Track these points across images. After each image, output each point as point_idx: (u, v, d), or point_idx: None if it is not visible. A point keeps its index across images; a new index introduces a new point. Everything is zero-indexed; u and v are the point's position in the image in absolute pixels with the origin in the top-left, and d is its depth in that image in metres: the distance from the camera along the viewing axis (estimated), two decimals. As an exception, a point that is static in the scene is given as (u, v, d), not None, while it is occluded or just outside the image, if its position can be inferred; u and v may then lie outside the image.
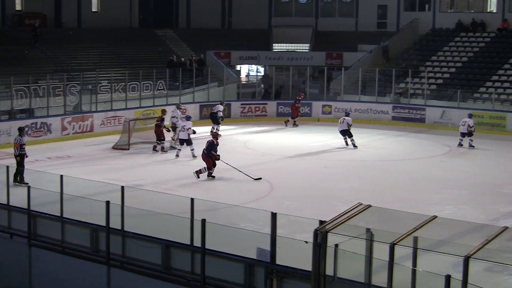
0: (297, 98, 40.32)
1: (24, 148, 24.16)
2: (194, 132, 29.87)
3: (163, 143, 31.31)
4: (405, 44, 50.57)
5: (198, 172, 25.64)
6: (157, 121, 31.92)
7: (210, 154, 25.79)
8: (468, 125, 32.87)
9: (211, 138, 26.48)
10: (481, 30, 49.51)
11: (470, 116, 33.79)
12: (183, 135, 29.67)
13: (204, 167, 25.84)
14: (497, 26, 49.32)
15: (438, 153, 32.65)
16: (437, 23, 51.94)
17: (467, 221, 19.99)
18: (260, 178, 25.61)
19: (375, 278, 12.71)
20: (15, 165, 23.59)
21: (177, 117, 32.16)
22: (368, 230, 13.04)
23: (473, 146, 32.74)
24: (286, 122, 40.00)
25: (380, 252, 12.45)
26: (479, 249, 11.69)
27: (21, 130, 24.74)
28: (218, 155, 25.96)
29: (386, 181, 25.68)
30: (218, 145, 26.26)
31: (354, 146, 32.37)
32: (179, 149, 29.96)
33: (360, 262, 12.77)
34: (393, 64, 47.09)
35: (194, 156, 29.40)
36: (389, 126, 40.28)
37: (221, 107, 36.82)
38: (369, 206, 14.27)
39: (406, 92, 43.51)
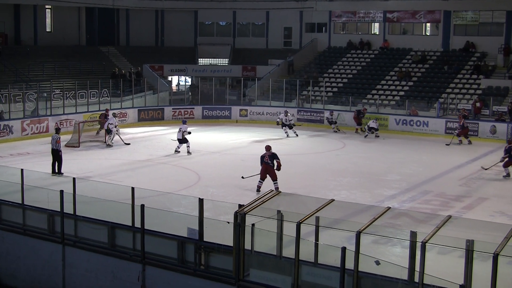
0: (362, 110, 39.05)
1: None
2: (189, 133, 29.90)
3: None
4: (306, 59, 51.11)
5: (258, 188, 22.17)
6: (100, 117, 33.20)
7: (273, 164, 22.07)
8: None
9: (269, 151, 22.42)
10: (367, 48, 50.45)
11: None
12: (179, 135, 29.74)
13: (260, 180, 22.42)
14: (380, 45, 50.34)
15: (334, 148, 33.03)
16: (332, 42, 52.66)
17: (358, 203, 20.33)
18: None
19: (285, 251, 12.81)
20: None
21: (113, 124, 31.99)
22: (278, 212, 13.14)
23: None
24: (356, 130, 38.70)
25: (289, 230, 12.57)
26: (368, 226, 11.90)
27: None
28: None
29: (292, 171, 25.87)
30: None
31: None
32: (178, 147, 29.90)
33: (272, 238, 12.86)
34: (297, 76, 47.51)
35: (189, 153, 29.58)
36: (295, 126, 40.44)
37: (283, 115, 36.66)
38: (279, 192, 14.40)
39: (308, 98, 43.91)
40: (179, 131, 29.85)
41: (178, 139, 29.94)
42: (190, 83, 54.28)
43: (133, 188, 15.06)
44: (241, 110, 43.05)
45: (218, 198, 20.70)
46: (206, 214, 14.04)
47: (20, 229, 17.00)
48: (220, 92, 45.39)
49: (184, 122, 30.80)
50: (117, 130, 32.19)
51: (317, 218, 12.76)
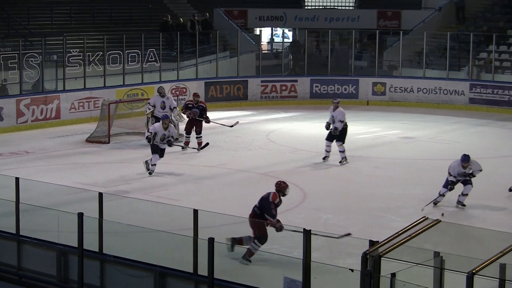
0: None
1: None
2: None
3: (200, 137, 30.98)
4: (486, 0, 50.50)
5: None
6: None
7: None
8: None
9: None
10: None
11: None
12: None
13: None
14: None
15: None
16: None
17: None
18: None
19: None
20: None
21: (154, 106, 31.40)
22: (437, 254, 13.04)
23: None
24: None
25: (453, 284, 12.46)
26: None
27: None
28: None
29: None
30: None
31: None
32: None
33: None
34: (471, 27, 47.08)
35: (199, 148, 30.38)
36: (466, 111, 40.26)
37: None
38: (438, 221, 14.27)
39: (489, 64, 43.41)
40: None
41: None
42: (291, 40, 54.48)
43: (195, 211, 15.19)
44: (375, 84, 42.97)
45: (333, 229, 20.67)
46: (315, 255, 14.05)
47: (13, 275, 17.39)
48: (341, 55, 45.39)
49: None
50: (173, 117, 30.96)
51: (503, 266, 12.62)
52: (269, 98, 41.58)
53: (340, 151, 28.54)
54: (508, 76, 42.21)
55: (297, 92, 42.40)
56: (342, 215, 22.86)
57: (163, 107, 30.98)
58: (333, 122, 28.49)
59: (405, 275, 12.79)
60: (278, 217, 17.61)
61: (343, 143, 28.50)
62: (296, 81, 43.21)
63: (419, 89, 42.33)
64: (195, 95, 31.39)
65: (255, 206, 18.60)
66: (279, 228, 17.93)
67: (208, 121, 30.57)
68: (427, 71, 43.45)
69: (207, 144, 29.90)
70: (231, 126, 31.45)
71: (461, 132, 35.65)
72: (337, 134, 28.23)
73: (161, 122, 26.68)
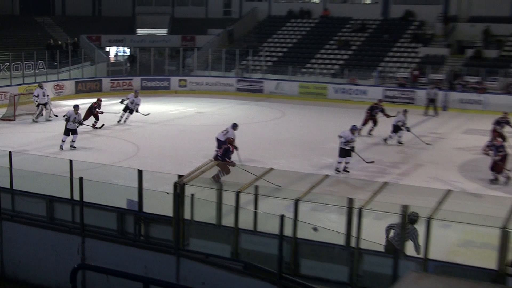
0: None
1: None
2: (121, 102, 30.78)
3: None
4: (246, 28, 51.05)
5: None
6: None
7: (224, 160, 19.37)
8: None
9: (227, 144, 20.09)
10: (307, 17, 50.64)
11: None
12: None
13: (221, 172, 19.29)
14: (320, 14, 50.58)
15: (274, 117, 33.28)
16: (272, 11, 52.74)
17: (297, 172, 20.62)
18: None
19: (225, 220, 12.94)
20: None
21: (38, 96, 30.67)
22: (216, 179, 13.27)
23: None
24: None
25: (228, 199, 12.70)
26: (306, 193, 12.12)
27: None
28: (233, 162, 19.59)
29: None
30: (233, 152, 20.06)
31: None
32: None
33: (212, 208, 12.96)
34: (237, 45, 47.43)
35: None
36: (234, 96, 40.69)
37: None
38: (218, 162, 14.50)
39: (248, 67, 44.02)
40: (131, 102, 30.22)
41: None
42: (128, 54, 53.76)
43: (71, 161, 14.95)
44: (180, 80, 42.93)
45: (158, 169, 20.72)
46: (146, 185, 14.05)
47: None
48: (159, 63, 45.11)
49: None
50: (45, 104, 30.78)
51: (256, 187, 12.93)
52: (115, 90, 40.90)
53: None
54: (259, 74, 42.86)
55: (133, 85, 41.76)
56: (161, 160, 22.90)
57: (44, 95, 30.60)
58: (133, 104, 30.27)
59: (199, 195, 12.99)
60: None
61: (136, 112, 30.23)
62: (132, 79, 42.67)
63: (207, 83, 42.49)
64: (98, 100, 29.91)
65: (217, 154, 19.75)
66: (233, 164, 18.92)
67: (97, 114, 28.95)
68: (211, 72, 43.69)
69: (103, 125, 28.75)
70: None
71: (231, 108, 36.01)
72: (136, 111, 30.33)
73: (73, 109, 25.36)
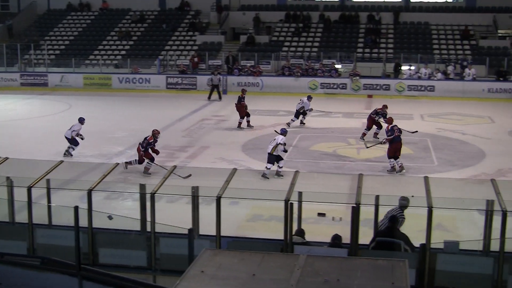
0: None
1: None
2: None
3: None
4: (26, 22, 48.90)
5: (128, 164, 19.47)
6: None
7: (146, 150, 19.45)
8: None
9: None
10: (87, 10, 49.51)
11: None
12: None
13: (135, 160, 19.64)
14: (99, 6, 49.67)
15: (60, 110, 32.17)
16: (51, 4, 50.95)
17: (88, 162, 20.20)
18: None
19: (19, 216, 12.46)
20: None
21: None
22: (8, 178, 12.64)
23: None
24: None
25: (21, 195, 12.16)
26: (98, 183, 11.89)
27: None
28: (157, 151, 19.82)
29: (22, 137, 24.85)
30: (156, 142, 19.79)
31: None
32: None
33: (4, 205, 12.40)
34: (17, 40, 45.24)
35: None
36: (18, 91, 38.69)
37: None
38: (7, 158, 13.74)
39: (31, 62, 42.14)
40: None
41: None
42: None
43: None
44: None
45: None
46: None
47: None
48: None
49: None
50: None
51: (48, 181, 12.48)
52: None
53: None
54: (42, 68, 41.22)
55: None
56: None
57: None
58: None
59: None
60: None
61: None
62: None
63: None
64: None
65: (140, 144, 19.49)
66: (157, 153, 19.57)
67: None
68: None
69: None
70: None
71: (16, 104, 34.23)
72: None
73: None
